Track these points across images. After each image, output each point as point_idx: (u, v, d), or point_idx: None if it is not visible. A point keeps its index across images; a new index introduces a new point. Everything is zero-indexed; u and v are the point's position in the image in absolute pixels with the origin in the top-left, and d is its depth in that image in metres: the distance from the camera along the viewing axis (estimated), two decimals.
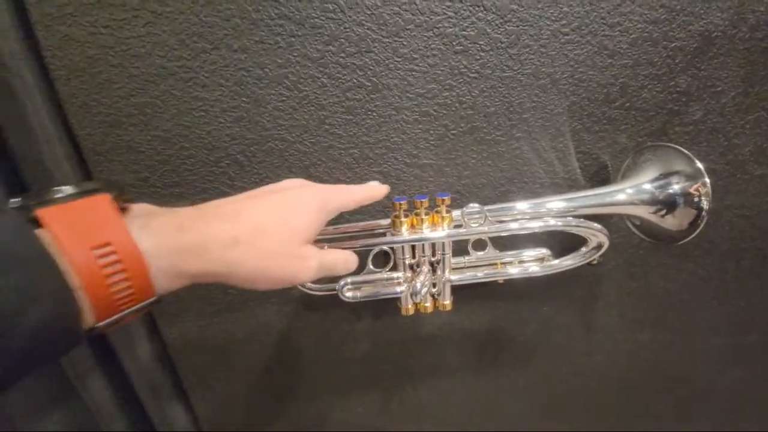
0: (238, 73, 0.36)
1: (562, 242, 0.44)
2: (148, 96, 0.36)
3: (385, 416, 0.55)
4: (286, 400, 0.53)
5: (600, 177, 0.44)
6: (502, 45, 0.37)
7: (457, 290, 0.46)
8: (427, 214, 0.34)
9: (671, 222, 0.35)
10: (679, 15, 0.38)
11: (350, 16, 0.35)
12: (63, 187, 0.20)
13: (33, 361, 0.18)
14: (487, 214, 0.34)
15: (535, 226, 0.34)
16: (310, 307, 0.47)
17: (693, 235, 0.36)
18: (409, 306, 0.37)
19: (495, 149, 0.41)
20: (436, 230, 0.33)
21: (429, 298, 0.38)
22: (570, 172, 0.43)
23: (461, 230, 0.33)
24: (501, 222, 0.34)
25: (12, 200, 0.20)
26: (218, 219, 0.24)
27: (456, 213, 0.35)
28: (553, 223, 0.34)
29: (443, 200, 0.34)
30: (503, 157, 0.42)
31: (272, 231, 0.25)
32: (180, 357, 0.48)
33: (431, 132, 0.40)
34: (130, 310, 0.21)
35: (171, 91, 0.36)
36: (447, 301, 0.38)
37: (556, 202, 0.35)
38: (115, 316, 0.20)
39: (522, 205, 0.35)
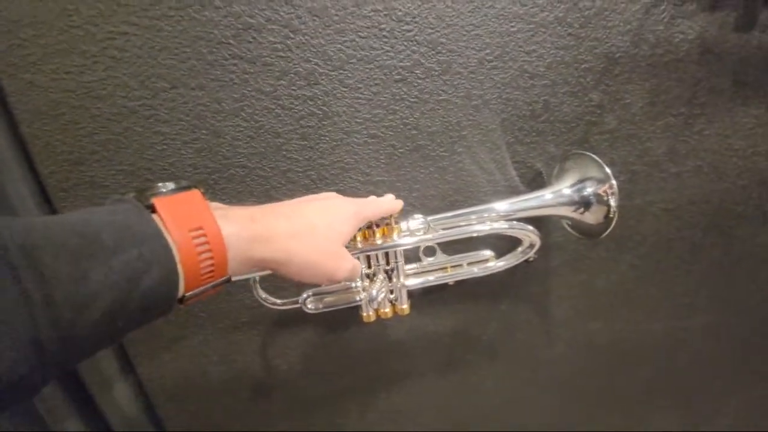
0: (196, 109, 0.38)
1: (511, 242, 0.48)
2: (111, 133, 0.37)
3: (363, 424, 0.56)
4: (266, 418, 0.53)
5: (536, 183, 0.48)
6: (436, 72, 0.41)
7: (419, 296, 0.48)
8: (378, 226, 0.37)
9: (590, 218, 0.39)
10: (585, 41, 0.43)
11: (298, 54, 0.38)
12: (166, 183, 0.25)
13: (141, 320, 0.21)
14: (431, 223, 0.36)
15: (473, 230, 0.37)
16: (280, 324, 0.48)
17: (609, 229, 0.39)
18: (370, 313, 0.39)
19: (440, 164, 0.45)
20: (386, 240, 0.36)
21: (387, 304, 0.40)
22: (510, 180, 0.47)
23: (408, 239, 0.36)
24: (444, 229, 0.37)
25: (130, 194, 0.23)
26: (281, 216, 0.28)
27: (404, 224, 0.37)
28: (488, 227, 0.37)
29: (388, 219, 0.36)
30: (448, 170, 0.45)
31: (322, 230, 0.29)
32: (154, 386, 0.48)
33: (380, 152, 0.43)
34: (209, 285, 0.24)
35: (133, 128, 0.38)
36: (405, 306, 0.40)
37: (493, 208, 0.38)
38: (198, 289, 0.23)
39: (460, 213, 0.38)
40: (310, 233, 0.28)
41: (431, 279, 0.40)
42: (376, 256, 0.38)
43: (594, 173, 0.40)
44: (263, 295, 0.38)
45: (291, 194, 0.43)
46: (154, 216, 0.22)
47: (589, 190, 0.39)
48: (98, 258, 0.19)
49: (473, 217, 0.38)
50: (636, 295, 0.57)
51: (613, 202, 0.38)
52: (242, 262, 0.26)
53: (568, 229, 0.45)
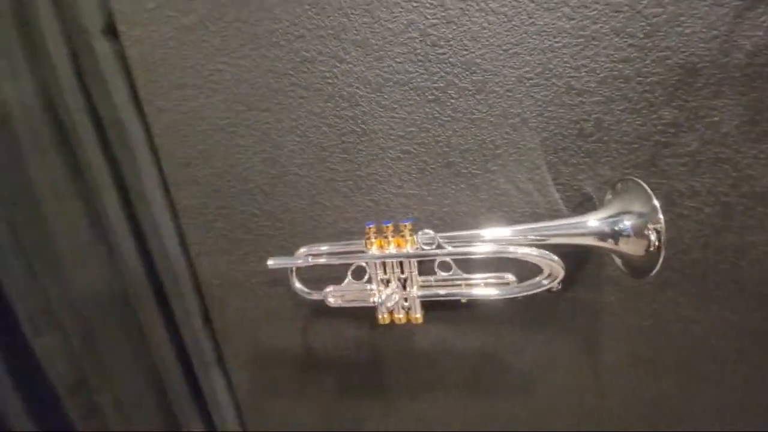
0: (263, 126, 0.47)
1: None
2: (206, 144, 0.48)
3: (384, 425, 0.58)
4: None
5: (585, 207, 0.43)
6: (470, 92, 0.41)
7: (446, 309, 0.48)
8: (393, 236, 0.39)
9: (629, 251, 0.34)
10: (652, 51, 0.37)
11: (342, 80, 0.43)
12: None
13: None
14: (439, 239, 0.37)
15: (485, 251, 0.36)
16: (327, 313, 0.54)
17: (657, 267, 0.33)
18: (384, 315, 0.42)
19: (472, 182, 0.44)
20: (400, 250, 0.38)
21: (401, 311, 0.42)
22: (551, 203, 0.44)
23: (420, 252, 0.37)
24: (455, 247, 0.37)
25: None
26: None
27: (419, 237, 0.39)
28: (494, 250, 0.35)
29: (405, 225, 0.38)
30: (480, 188, 0.44)
31: None
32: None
33: (413, 167, 0.45)
34: None
35: (221, 141, 0.48)
36: (418, 315, 0.41)
37: (506, 231, 0.37)
38: None
39: (474, 233, 0.37)
40: None
41: (442, 293, 0.40)
42: (392, 264, 0.40)
43: (636, 205, 0.34)
44: (298, 285, 0.45)
45: (331, 200, 0.48)
46: None
47: (626, 223, 0.34)
48: None
49: (487, 238, 0.37)
50: (728, 359, 0.45)
51: (654, 238, 0.32)
52: None
53: (617, 263, 0.40)
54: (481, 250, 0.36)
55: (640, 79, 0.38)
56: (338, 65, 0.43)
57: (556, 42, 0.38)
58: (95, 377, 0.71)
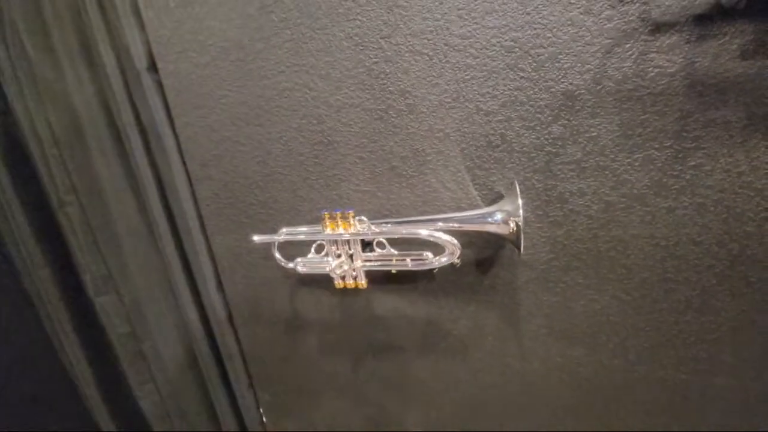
0: (257, 138, 0.61)
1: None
2: (218, 151, 0.64)
3: (356, 376, 0.71)
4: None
5: (496, 202, 0.54)
6: (405, 112, 0.53)
7: (397, 282, 0.60)
8: (341, 221, 0.52)
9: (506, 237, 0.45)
10: (539, 82, 0.47)
11: (312, 103, 0.56)
12: None
13: None
14: (371, 224, 0.49)
15: (401, 233, 0.48)
16: (308, 283, 0.68)
17: (521, 245, 0.44)
18: (338, 281, 0.55)
19: (410, 181, 0.56)
20: (346, 231, 0.51)
21: (351, 279, 0.54)
22: (471, 199, 0.54)
23: (351, 232, 0.50)
24: (383, 230, 0.50)
25: None
26: None
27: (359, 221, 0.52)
28: (414, 233, 0.47)
29: (348, 213, 0.51)
30: (416, 187, 0.56)
31: None
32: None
33: (366, 170, 0.58)
34: None
35: (227, 149, 0.63)
36: (363, 281, 0.54)
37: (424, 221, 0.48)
38: None
39: (400, 221, 0.49)
40: None
41: (377, 265, 0.53)
42: (341, 242, 0.53)
43: (509, 201, 0.45)
44: (278, 256, 0.59)
45: (308, 193, 0.62)
46: None
47: (499, 216, 0.45)
48: None
49: (407, 224, 0.49)
50: (624, 331, 0.54)
51: (512, 226, 0.43)
52: None
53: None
54: (399, 231, 0.48)
55: (532, 102, 0.48)
56: (309, 92, 0.56)
57: (466, 75, 0.49)
58: (140, 329, 0.90)
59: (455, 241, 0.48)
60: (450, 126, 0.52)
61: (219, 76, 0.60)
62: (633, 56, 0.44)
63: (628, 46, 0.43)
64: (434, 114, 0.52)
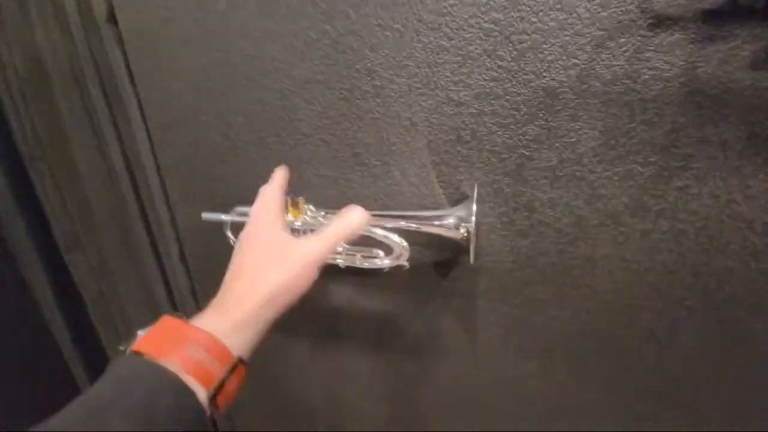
0: (218, 107, 0.56)
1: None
2: (178, 115, 0.60)
3: (313, 362, 0.69)
4: None
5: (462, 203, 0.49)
6: (371, 95, 0.48)
7: (354, 275, 0.56)
8: (291, 208, 0.48)
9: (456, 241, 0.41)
10: (518, 74, 0.41)
11: (274, 75, 0.51)
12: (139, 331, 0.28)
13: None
14: (326, 213, 0.46)
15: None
16: None
17: (472, 257, 0.40)
18: None
19: (373, 171, 0.52)
20: (296, 219, 0.47)
21: None
22: (435, 197, 0.50)
23: (300, 220, 0.46)
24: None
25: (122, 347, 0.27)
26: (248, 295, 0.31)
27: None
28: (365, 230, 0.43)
29: (299, 200, 0.47)
30: (379, 178, 0.52)
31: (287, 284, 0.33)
32: None
33: (328, 154, 0.53)
34: (225, 375, 0.26)
35: (188, 116, 0.59)
36: None
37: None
38: (217, 383, 0.26)
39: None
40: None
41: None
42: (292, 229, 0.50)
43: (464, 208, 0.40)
44: (230, 236, 0.56)
45: (269, 173, 0.58)
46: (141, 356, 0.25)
47: (451, 220, 0.41)
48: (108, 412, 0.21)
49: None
50: (581, 351, 0.51)
51: (463, 231, 0.38)
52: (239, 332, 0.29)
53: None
54: None
55: (508, 97, 0.43)
56: (271, 62, 0.51)
57: (438, 58, 0.44)
58: (108, 290, 0.90)
59: (404, 243, 0.44)
60: (418, 115, 0.47)
61: (180, 35, 0.55)
62: (627, 53, 0.37)
63: (622, 40, 0.37)
64: (402, 100, 0.47)
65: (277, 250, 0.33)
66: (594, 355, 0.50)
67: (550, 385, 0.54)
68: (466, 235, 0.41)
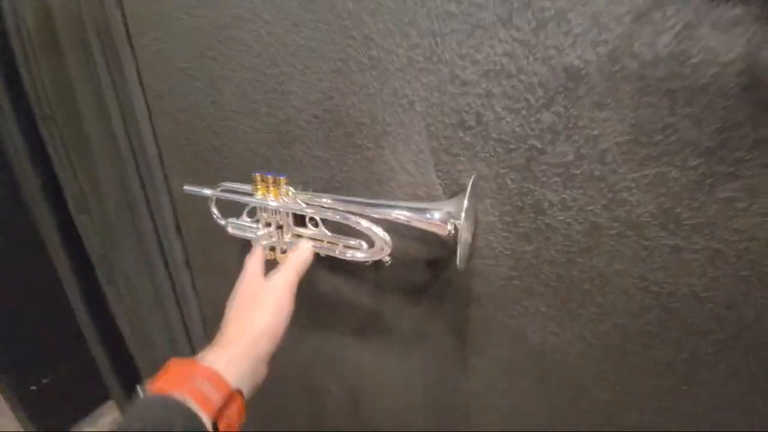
0: (211, 73, 0.53)
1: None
2: (172, 83, 0.56)
3: (300, 348, 0.67)
4: None
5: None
6: (366, 67, 0.43)
7: (341, 264, 0.52)
8: (272, 187, 0.44)
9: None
10: (536, 49, 0.35)
11: (266, 39, 0.47)
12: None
13: None
14: (299, 198, 0.42)
15: (329, 214, 0.40)
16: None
17: (458, 261, 0.35)
18: (268, 252, 0.49)
19: (366, 154, 0.47)
20: (276, 200, 0.44)
21: (281, 252, 0.48)
22: (430, 187, 0.45)
23: (290, 205, 0.42)
24: (313, 206, 0.42)
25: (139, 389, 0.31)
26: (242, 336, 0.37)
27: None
28: (345, 219, 0.39)
29: (280, 179, 0.43)
30: (373, 161, 0.47)
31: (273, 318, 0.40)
32: None
33: (320, 132, 0.49)
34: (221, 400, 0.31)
35: (182, 82, 0.56)
36: None
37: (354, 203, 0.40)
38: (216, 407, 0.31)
39: (327, 198, 0.41)
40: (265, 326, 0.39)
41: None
42: (272, 210, 0.46)
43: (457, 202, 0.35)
44: (214, 211, 0.53)
45: (259, 148, 0.54)
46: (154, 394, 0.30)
47: (437, 215, 0.35)
48: None
49: (341, 207, 0.41)
50: (582, 376, 0.45)
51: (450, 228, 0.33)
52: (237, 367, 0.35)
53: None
54: (329, 215, 0.40)
55: (522, 77, 0.36)
56: (264, 25, 0.46)
57: (444, 26, 0.37)
58: (112, 254, 0.91)
59: (387, 237, 0.39)
60: (417, 93, 0.41)
61: (176, 2, 0.51)
62: (675, 29, 0.30)
63: (670, 11, 0.30)
64: (400, 74, 0.41)
65: (256, 296, 0.41)
66: (596, 385, 0.44)
67: (540, 408, 0.49)
68: (453, 233, 0.36)
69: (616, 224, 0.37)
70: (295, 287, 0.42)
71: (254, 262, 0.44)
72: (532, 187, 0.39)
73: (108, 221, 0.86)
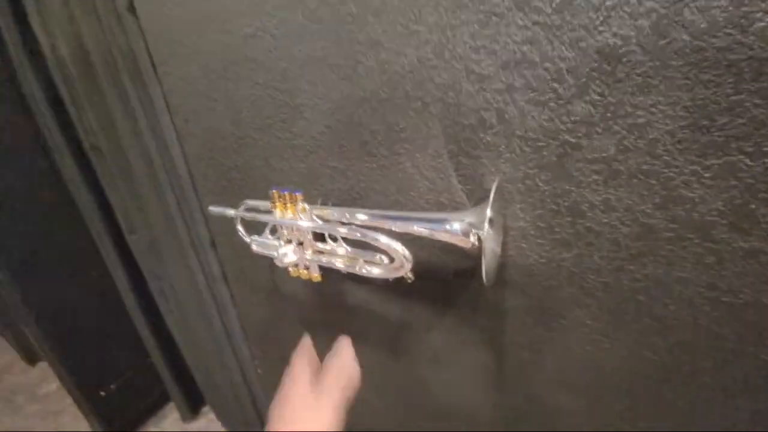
0: (228, 93, 0.53)
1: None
2: (196, 105, 0.58)
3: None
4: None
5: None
6: (375, 72, 0.40)
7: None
8: (289, 204, 0.44)
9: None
10: (562, 31, 0.30)
11: (275, 54, 0.46)
12: None
13: None
14: (315, 213, 0.40)
15: (345, 233, 0.38)
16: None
17: (484, 276, 0.31)
18: (290, 269, 0.48)
19: (382, 162, 0.45)
20: (294, 218, 0.43)
21: (303, 268, 0.47)
22: (452, 193, 0.42)
23: (307, 223, 0.41)
24: (327, 224, 0.40)
25: None
26: None
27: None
28: (363, 235, 0.37)
29: (297, 196, 0.42)
30: (390, 170, 0.45)
31: None
32: None
33: (334, 142, 0.47)
34: None
35: (203, 104, 0.57)
36: (315, 274, 0.47)
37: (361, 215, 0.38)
38: None
39: (339, 212, 0.39)
40: None
41: (324, 261, 0.44)
42: (290, 227, 0.46)
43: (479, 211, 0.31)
44: (240, 229, 0.54)
45: (278, 163, 0.54)
46: None
47: (457, 226, 0.32)
48: None
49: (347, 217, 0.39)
50: (638, 394, 0.40)
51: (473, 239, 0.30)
52: None
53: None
54: (343, 231, 0.39)
55: (547, 65, 0.32)
56: (271, 40, 0.46)
57: (454, 19, 0.34)
58: (158, 269, 0.97)
59: (406, 253, 0.37)
60: (431, 94, 0.38)
61: (187, 18, 0.52)
62: None
63: None
64: (411, 76, 0.38)
65: (303, 421, 0.36)
66: (658, 402, 0.38)
67: (584, 426, 0.44)
68: (477, 244, 0.32)
69: (673, 226, 0.32)
70: (345, 408, 0.38)
71: (301, 368, 0.39)
72: (567, 187, 0.35)
73: (153, 239, 0.91)
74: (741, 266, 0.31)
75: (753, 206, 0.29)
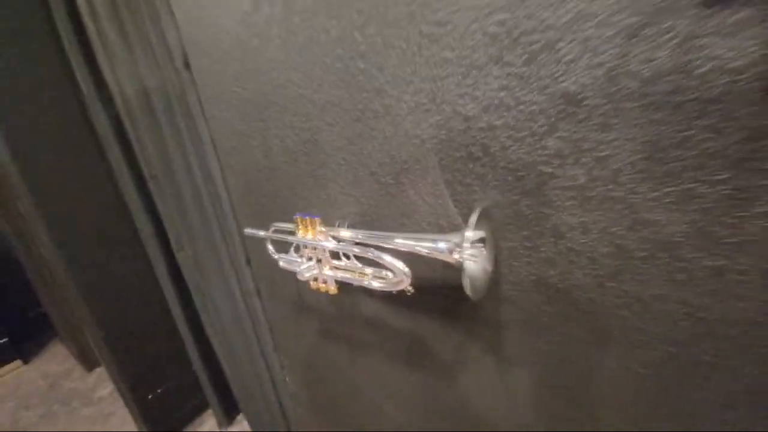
0: (261, 133, 0.63)
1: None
2: (234, 143, 0.68)
3: (352, 368, 0.72)
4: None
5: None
6: (381, 114, 0.47)
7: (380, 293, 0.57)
8: (309, 227, 0.51)
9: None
10: (531, 80, 0.36)
11: (299, 100, 0.55)
12: None
13: None
14: (330, 234, 0.47)
15: (354, 251, 0.45)
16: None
17: (468, 291, 0.36)
18: (312, 283, 0.55)
19: (389, 190, 0.51)
20: (314, 238, 0.50)
21: (321, 282, 0.54)
22: (450, 217, 0.47)
23: (316, 239, 0.49)
24: (341, 243, 0.47)
25: None
26: None
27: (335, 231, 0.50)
28: (364, 253, 0.43)
29: (315, 220, 0.50)
30: (396, 197, 0.51)
31: None
32: None
33: (349, 173, 0.55)
34: None
35: (240, 142, 0.67)
36: (332, 287, 0.53)
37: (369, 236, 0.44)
38: None
39: (349, 233, 0.46)
40: None
41: (338, 275, 0.51)
42: (311, 246, 0.53)
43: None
44: (270, 248, 0.62)
45: (302, 191, 0.62)
46: None
47: (443, 245, 0.37)
48: None
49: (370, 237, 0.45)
50: (633, 407, 0.42)
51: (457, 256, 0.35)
52: None
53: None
54: (355, 250, 0.45)
55: (521, 107, 0.37)
56: (297, 89, 0.54)
57: (442, 71, 0.40)
58: (203, 284, 1.08)
59: (406, 269, 0.42)
60: (426, 132, 0.44)
61: (230, 72, 0.63)
62: (674, 42, 0.29)
63: (666, 25, 0.29)
64: (410, 117, 0.45)
65: None
66: (651, 414, 0.40)
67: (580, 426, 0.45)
68: (459, 263, 0.37)
69: (644, 245, 0.35)
70: None
71: None
72: (548, 211, 0.39)
73: (198, 257, 1.03)
74: (711, 284, 0.33)
75: (714, 229, 0.32)
